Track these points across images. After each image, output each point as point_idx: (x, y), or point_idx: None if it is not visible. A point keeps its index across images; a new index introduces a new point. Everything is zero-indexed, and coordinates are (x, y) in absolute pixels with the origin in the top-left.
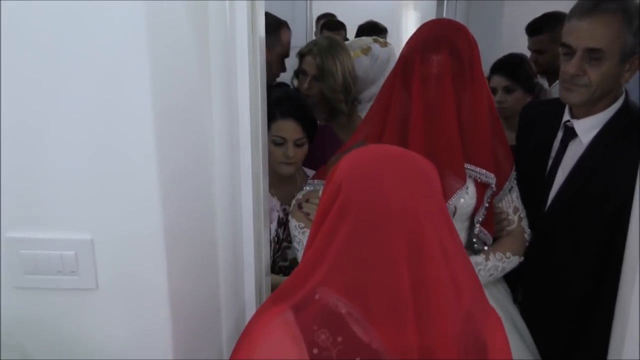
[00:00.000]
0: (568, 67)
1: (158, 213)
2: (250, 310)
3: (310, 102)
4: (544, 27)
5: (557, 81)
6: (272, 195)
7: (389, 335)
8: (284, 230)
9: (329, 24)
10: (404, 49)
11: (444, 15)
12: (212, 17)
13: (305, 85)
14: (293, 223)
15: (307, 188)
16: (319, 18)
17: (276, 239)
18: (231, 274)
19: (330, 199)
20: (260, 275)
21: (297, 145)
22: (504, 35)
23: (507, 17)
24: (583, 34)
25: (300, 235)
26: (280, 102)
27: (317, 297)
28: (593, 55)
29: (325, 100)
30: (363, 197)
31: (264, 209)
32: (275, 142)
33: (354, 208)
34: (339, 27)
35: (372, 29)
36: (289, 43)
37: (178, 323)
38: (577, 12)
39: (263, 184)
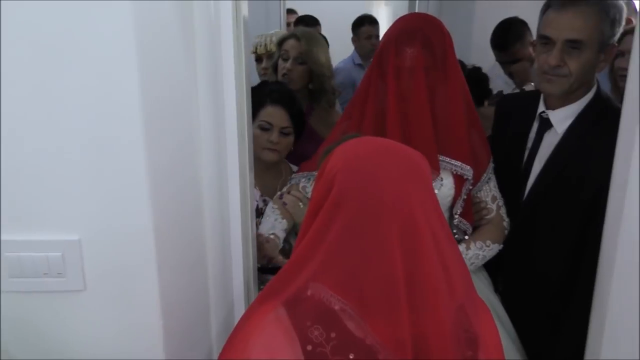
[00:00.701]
0: (549, 58)
1: (147, 210)
2: (239, 306)
3: (292, 87)
4: (511, 37)
5: (529, 84)
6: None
7: (382, 330)
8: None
9: (304, 19)
10: (380, 42)
11: (416, 9)
12: (197, 13)
13: (288, 65)
14: (270, 204)
15: (291, 182)
16: (297, 21)
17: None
18: (220, 270)
19: (323, 192)
20: (248, 270)
21: (283, 133)
22: (475, 32)
23: (479, 13)
24: (563, 25)
25: (270, 212)
26: (272, 91)
27: (309, 292)
28: (573, 45)
29: (310, 86)
30: (357, 190)
31: (251, 204)
32: (262, 126)
33: (348, 200)
34: (315, 22)
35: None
36: None
37: (169, 321)
38: (554, 3)
39: (250, 179)
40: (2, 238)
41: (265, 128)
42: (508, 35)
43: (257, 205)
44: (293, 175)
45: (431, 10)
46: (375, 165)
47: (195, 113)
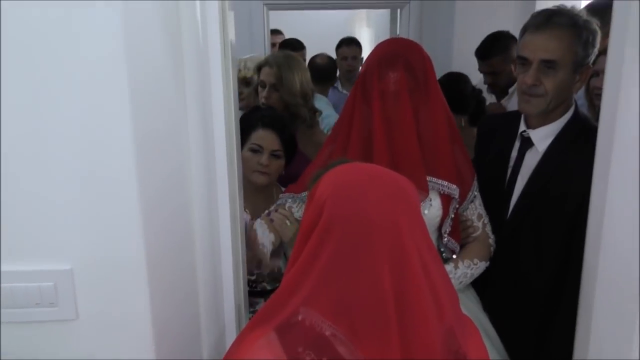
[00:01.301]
0: (526, 77)
1: (139, 238)
2: (230, 331)
3: None
4: (494, 49)
5: (507, 97)
6: (244, 208)
7: (373, 355)
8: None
9: (289, 43)
10: (363, 66)
11: (397, 32)
12: (186, 40)
13: (264, 94)
14: (258, 220)
15: (277, 203)
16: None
17: None
18: (211, 295)
19: (313, 218)
20: (239, 295)
21: (274, 156)
22: (455, 50)
23: (458, 32)
24: (538, 46)
25: (258, 226)
26: (263, 115)
27: (300, 318)
28: (548, 65)
29: (284, 107)
30: (347, 216)
31: (241, 230)
32: (252, 149)
33: (338, 227)
34: (300, 46)
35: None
36: None
37: (161, 348)
38: (530, 26)
39: (239, 205)
40: None
41: (255, 150)
42: (492, 46)
43: (247, 229)
44: (280, 196)
45: (412, 27)
46: (363, 191)
47: (185, 141)
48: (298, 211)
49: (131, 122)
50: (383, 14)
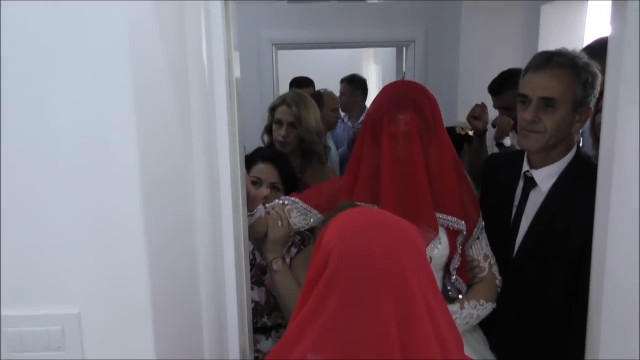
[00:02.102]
0: (525, 114)
1: (145, 282)
2: None
3: (287, 150)
4: (506, 85)
5: (506, 138)
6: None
7: None
8: (251, 269)
9: (299, 80)
10: (370, 109)
11: (404, 69)
12: (193, 88)
13: (283, 132)
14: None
15: (278, 201)
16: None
17: None
18: (216, 338)
19: (320, 266)
20: (244, 338)
21: (273, 188)
22: (460, 86)
23: (463, 69)
24: (538, 84)
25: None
26: (263, 150)
27: None
28: (547, 103)
29: (302, 145)
30: (353, 265)
31: (246, 272)
32: (252, 182)
33: (344, 275)
34: (308, 83)
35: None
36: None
37: None
38: (532, 66)
39: (244, 249)
40: (3, 313)
41: (254, 182)
42: (504, 81)
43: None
44: (283, 197)
45: (417, 67)
46: (369, 239)
47: (191, 185)
48: (295, 217)
49: (139, 168)
50: (390, 51)
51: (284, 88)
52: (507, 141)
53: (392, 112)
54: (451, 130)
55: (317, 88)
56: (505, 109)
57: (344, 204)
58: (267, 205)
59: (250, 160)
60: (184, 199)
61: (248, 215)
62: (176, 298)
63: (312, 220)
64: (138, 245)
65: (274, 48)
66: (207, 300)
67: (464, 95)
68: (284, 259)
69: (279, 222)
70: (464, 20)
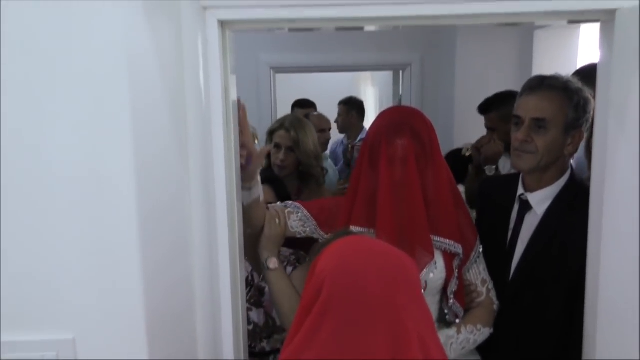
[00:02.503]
0: (518, 134)
1: (140, 308)
2: None
3: (285, 173)
4: (492, 106)
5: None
6: (245, 259)
7: None
8: (249, 291)
9: (301, 102)
10: (368, 133)
11: (400, 92)
12: (191, 119)
13: (281, 156)
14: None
15: (283, 204)
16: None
17: None
18: None
19: (313, 294)
20: None
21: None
22: (457, 109)
23: (459, 92)
24: (530, 106)
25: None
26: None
27: None
28: (539, 124)
29: (300, 168)
30: (346, 295)
31: (242, 296)
32: None
33: (336, 304)
34: (310, 105)
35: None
36: None
37: None
38: (526, 89)
39: (240, 271)
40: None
41: None
42: (490, 102)
43: (247, 277)
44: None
45: (414, 90)
46: (363, 269)
47: (187, 211)
48: (294, 221)
49: (135, 194)
50: (387, 74)
51: (282, 111)
52: (490, 170)
53: (389, 137)
54: (457, 152)
55: (317, 110)
56: (490, 129)
57: (340, 231)
58: (268, 205)
59: None
60: (180, 224)
61: (244, 190)
62: (172, 323)
63: (308, 229)
64: (134, 271)
65: (272, 72)
66: (202, 325)
67: (460, 118)
68: (279, 258)
69: (277, 220)
70: (459, 44)
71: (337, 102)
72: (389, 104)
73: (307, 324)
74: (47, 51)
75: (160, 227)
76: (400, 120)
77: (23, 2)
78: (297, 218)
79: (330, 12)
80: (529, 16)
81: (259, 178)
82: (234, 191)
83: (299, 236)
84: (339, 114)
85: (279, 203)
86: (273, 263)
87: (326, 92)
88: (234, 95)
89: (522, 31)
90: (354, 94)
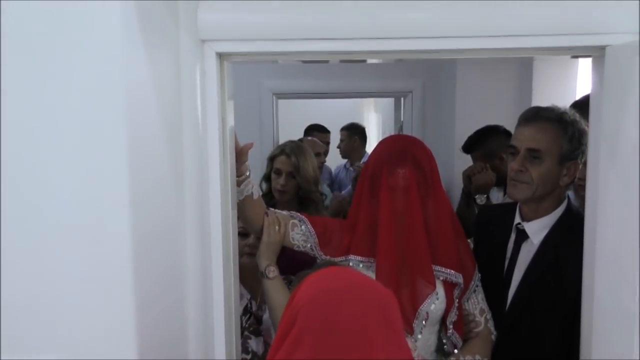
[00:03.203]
0: (513, 164)
1: (132, 334)
2: None
3: (285, 198)
4: (474, 146)
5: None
6: (242, 285)
7: None
8: (248, 319)
9: (317, 126)
10: (368, 162)
11: (402, 118)
12: (188, 148)
13: (282, 181)
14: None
15: (288, 212)
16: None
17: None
18: None
19: (289, 323)
20: None
21: (260, 238)
22: (457, 134)
23: (459, 118)
24: (525, 136)
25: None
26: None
27: None
28: (534, 154)
29: (300, 193)
30: (318, 327)
31: (236, 326)
32: (239, 233)
33: (308, 339)
34: (325, 130)
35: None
36: None
37: None
38: (521, 119)
39: (235, 303)
40: None
41: (242, 234)
42: (472, 141)
43: (247, 304)
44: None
45: (415, 116)
46: (336, 302)
47: (182, 238)
48: (296, 234)
49: (130, 223)
50: (389, 101)
51: (284, 136)
52: (481, 199)
53: (391, 166)
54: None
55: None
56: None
57: (322, 262)
58: (269, 211)
59: None
60: (174, 252)
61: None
62: (164, 350)
63: (309, 245)
64: (126, 297)
65: (274, 97)
66: (195, 353)
67: (461, 144)
68: (277, 266)
69: (276, 227)
70: (459, 73)
71: (340, 127)
72: (390, 130)
73: (281, 353)
74: (44, 81)
75: (154, 254)
76: (402, 148)
77: (18, 29)
78: (300, 231)
79: (324, 45)
80: (522, 51)
81: (248, 174)
82: (229, 219)
83: (296, 249)
84: (342, 140)
85: (285, 212)
86: (272, 272)
87: (329, 117)
88: (231, 121)
89: (521, 61)
90: (356, 119)
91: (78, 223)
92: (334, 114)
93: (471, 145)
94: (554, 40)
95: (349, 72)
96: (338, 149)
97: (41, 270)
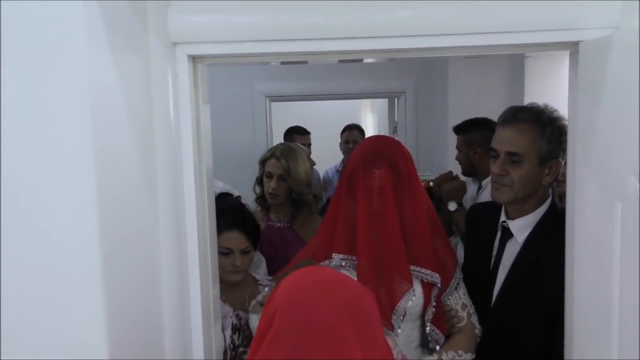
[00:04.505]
0: (494, 167)
1: (103, 343)
2: None
3: (277, 201)
4: (461, 129)
5: (481, 190)
6: (224, 302)
7: None
8: (239, 335)
9: (297, 129)
10: (347, 163)
11: (396, 118)
12: (160, 152)
13: (273, 184)
14: (254, 317)
15: (267, 290)
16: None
17: (232, 345)
18: None
19: (266, 324)
20: None
21: (244, 253)
22: (450, 133)
23: (452, 117)
24: (504, 139)
25: (254, 321)
26: (224, 214)
27: None
28: (513, 158)
29: (292, 196)
30: (293, 326)
31: (216, 330)
32: (222, 252)
33: (284, 336)
34: (305, 132)
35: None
36: None
37: None
38: (500, 121)
39: (213, 305)
40: None
41: (225, 253)
42: (461, 125)
43: (232, 322)
44: (269, 283)
45: (409, 116)
46: (309, 301)
47: (156, 243)
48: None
49: (98, 229)
50: (385, 101)
51: (278, 139)
52: (452, 206)
53: (367, 167)
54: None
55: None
56: (457, 148)
57: (302, 263)
58: (257, 301)
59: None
60: (148, 258)
61: None
62: (138, 357)
63: None
64: (96, 303)
65: (267, 100)
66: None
67: (454, 143)
68: None
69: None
70: (451, 72)
71: (338, 128)
72: (385, 130)
73: (260, 352)
74: (1, 86)
75: (126, 259)
76: (379, 150)
77: None
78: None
79: (300, 46)
80: (495, 49)
81: None
82: (207, 224)
83: None
84: (347, 140)
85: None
86: None
87: (327, 119)
88: (207, 126)
89: (512, 58)
90: (354, 121)
91: (44, 229)
92: (332, 116)
93: (460, 128)
94: (528, 37)
95: (342, 74)
96: (341, 150)
97: (8, 277)
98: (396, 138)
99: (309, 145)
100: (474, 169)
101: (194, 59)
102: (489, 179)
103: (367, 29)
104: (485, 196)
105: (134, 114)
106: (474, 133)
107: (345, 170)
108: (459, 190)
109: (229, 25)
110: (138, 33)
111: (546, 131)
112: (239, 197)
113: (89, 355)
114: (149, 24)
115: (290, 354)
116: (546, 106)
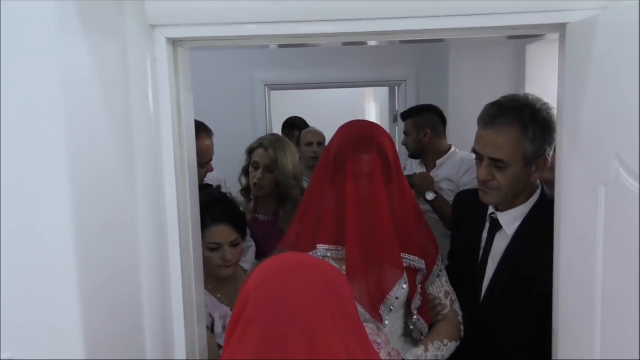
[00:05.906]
0: (479, 173)
1: (78, 330)
2: None
3: (262, 193)
4: (410, 114)
5: (435, 168)
6: (221, 301)
7: None
8: None
9: (295, 120)
10: (329, 148)
11: (397, 107)
12: (139, 139)
13: (259, 175)
14: None
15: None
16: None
17: None
18: None
19: (241, 308)
20: None
21: (233, 246)
22: (450, 121)
23: (452, 105)
24: (486, 144)
25: None
26: (209, 207)
27: None
28: (498, 164)
29: (278, 188)
30: (266, 309)
31: (199, 317)
32: (210, 248)
33: (258, 319)
34: (304, 124)
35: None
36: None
37: None
38: (480, 121)
39: (197, 297)
40: None
41: (214, 249)
42: (410, 110)
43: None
44: None
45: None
46: (282, 284)
47: (134, 230)
48: None
49: (72, 216)
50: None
51: (278, 128)
52: (430, 195)
53: (355, 153)
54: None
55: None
56: (405, 133)
57: (278, 251)
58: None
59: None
60: (126, 244)
61: None
62: (116, 344)
63: None
64: (70, 289)
65: (266, 89)
66: (152, 346)
67: (454, 131)
68: None
69: None
70: (452, 60)
71: (343, 117)
72: (386, 119)
73: (233, 339)
74: None
75: (102, 247)
76: (366, 134)
77: None
78: None
79: (281, 28)
80: (485, 31)
81: None
82: (188, 210)
83: None
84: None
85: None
86: None
87: (332, 108)
88: (189, 114)
89: (514, 45)
90: (358, 110)
91: (15, 215)
92: (336, 105)
93: (407, 114)
94: (516, 18)
95: (342, 63)
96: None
97: None
98: (397, 127)
99: (320, 143)
100: (423, 151)
101: (174, 42)
102: (443, 157)
103: (318, 11)
104: (442, 173)
105: (110, 99)
106: (423, 116)
107: (327, 157)
108: (429, 179)
109: (210, 7)
110: (113, 15)
111: (529, 132)
112: (218, 186)
113: (64, 339)
114: (124, 6)
115: (263, 336)
116: (529, 98)
